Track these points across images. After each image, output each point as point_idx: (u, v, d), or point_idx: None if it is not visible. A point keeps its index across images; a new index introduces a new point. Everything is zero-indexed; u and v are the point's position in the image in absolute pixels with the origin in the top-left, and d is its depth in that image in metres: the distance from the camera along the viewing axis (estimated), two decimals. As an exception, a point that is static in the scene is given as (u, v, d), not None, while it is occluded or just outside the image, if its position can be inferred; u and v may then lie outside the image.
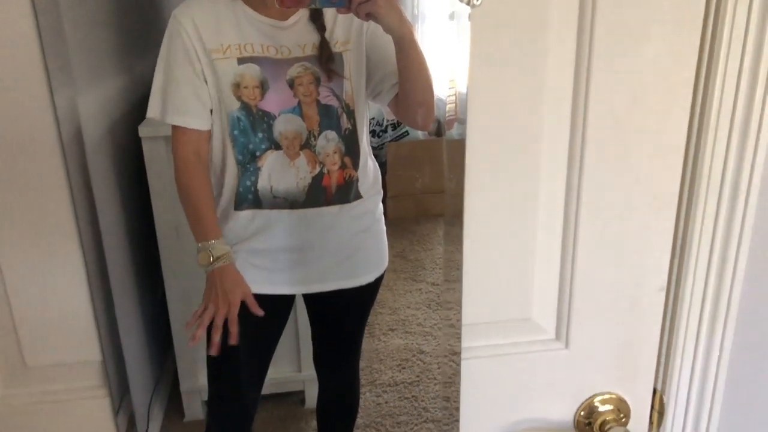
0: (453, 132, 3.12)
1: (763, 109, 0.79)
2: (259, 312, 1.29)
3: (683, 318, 0.86)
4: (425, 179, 3.29)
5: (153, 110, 1.26)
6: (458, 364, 0.84)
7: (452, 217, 0.85)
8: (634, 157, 0.78)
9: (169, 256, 1.87)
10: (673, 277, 0.86)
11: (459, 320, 0.82)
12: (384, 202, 1.51)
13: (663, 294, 0.86)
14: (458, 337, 0.82)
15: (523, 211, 0.78)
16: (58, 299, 0.79)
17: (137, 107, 1.98)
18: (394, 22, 1.11)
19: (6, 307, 0.77)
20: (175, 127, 1.30)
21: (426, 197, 3.25)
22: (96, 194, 1.44)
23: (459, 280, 0.80)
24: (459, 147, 0.80)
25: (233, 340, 1.28)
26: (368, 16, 1.06)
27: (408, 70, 1.21)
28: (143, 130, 1.76)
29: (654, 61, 0.76)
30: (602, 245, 0.81)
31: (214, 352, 1.27)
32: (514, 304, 0.80)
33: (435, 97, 1.27)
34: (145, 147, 1.81)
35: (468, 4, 0.69)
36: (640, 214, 0.80)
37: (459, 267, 0.79)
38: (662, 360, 0.88)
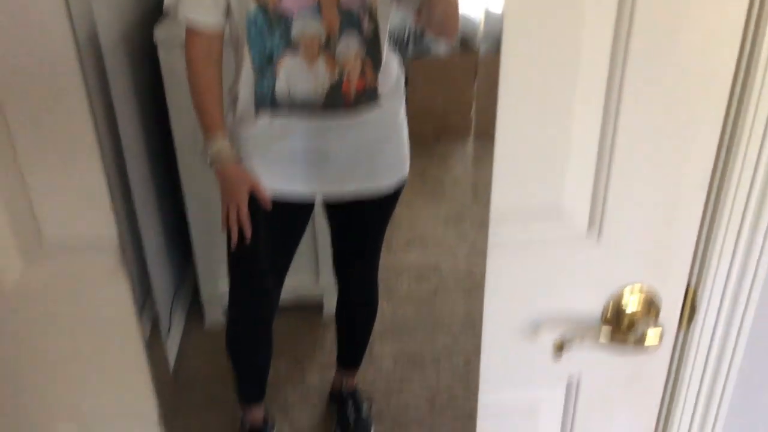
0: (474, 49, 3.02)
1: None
2: (267, 204, 1.30)
3: (725, 215, 0.82)
4: (447, 97, 3.21)
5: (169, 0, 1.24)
6: (475, 280, 0.82)
7: (478, 134, 0.80)
8: (683, 45, 0.72)
9: (187, 161, 1.85)
10: (718, 173, 0.81)
11: (478, 240, 0.79)
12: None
13: (705, 192, 0.82)
14: (477, 255, 0.80)
15: (561, 92, 0.73)
16: (77, 191, 0.76)
17: (153, 9, 1.92)
18: None
19: (21, 188, 0.75)
20: (187, 27, 1.27)
21: (447, 116, 3.18)
22: (113, 91, 1.41)
23: (481, 201, 0.77)
24: (485, 62, 0.75)
25: (246, 234, 1.29)
26: None
27: None
28: (159, 34, 1.70)
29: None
30: (644, 136, 0.76)
31: (233, 246, 1.29)
32: (546, 190, 0.77)
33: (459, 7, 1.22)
34: (161, 51, 1.76)
35: None
36: (688, 107, 0.75)
37: (478, 187, 0.76)
38: (699, 256, 0.85)
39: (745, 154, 0.79)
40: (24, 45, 0.69)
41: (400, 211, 1.61)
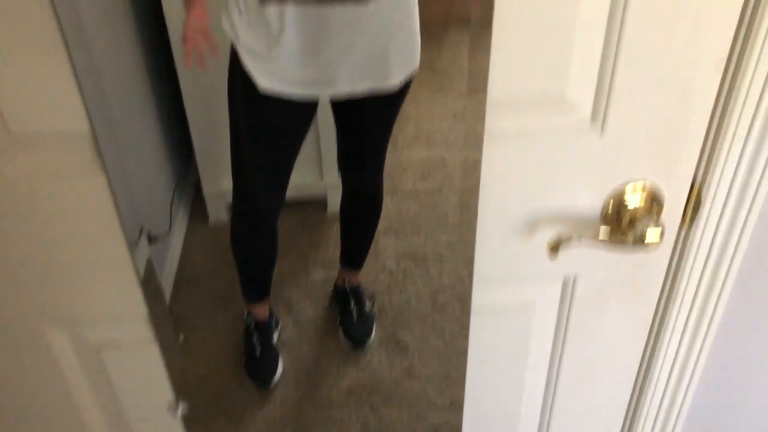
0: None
1: None
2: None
3: (738, 104, 0.76)
4: (456, -18, 3.03)
5: None
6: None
7: (481, 22, 0.73)
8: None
9: (181, 52, 1.77)
10: (734, 57, 0.74)
11: (483, 133, 0.74)
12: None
13: (719, 76, 0.75)
14: (482, 149, 0.75)
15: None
16: (42, 81, 0.71)
17: None
18: None
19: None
20: None
21: (454, 2, 3.01)
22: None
23: (484, 90, 0.70)
24: None
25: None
26: None
27: None
28: None
29: None
30: (656, 11, 0.69)
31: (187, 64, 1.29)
32: (548, 77, 0.71)
33: None
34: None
35: None
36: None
37: (485, 77, 0.69)
38: (706, 151, 0.80)
39: (764, 42, 0.72)
40: None
41: (406, 106, 1.55)
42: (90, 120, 0.70)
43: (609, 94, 0.73)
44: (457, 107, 2.47)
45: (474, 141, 0.80)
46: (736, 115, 0.77)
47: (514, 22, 0.66)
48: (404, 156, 2.26)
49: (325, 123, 1.77)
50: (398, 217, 2.05)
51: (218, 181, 1.97)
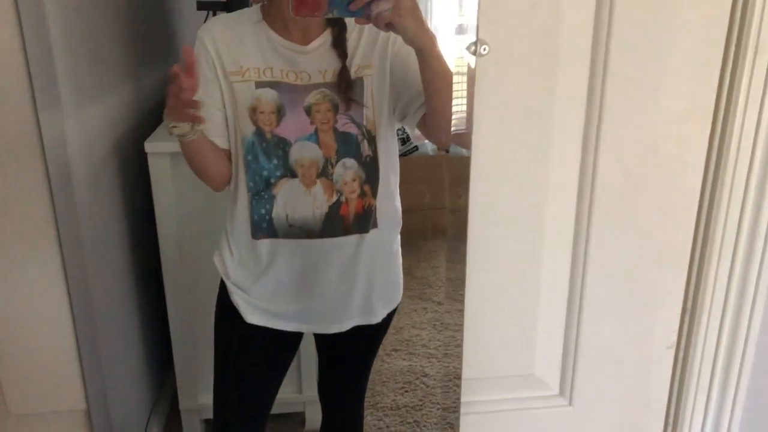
0: (462, 149, 3.09)
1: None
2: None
3: (694, 375, 0.83)
4: (433, 195, 3.26)
5: None
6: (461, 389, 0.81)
7: (456, 232, 0.81)
8: (644, 212, 0.75)
9: (171, 272, 1.85)
10: (684, 335, 0.82)
11: (464, 343, 0.79)
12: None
13: (672, 351, 0.82)
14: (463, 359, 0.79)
15: (527, 264, 0.75)
16: (39, 320, 0.76)
17: (144, 121, 1.97)
18: (415, 31, 1.03)
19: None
20: None
21: (434, 212, 3.21)
22: (96, 212, 1.42)
23: (463, 299, 0.77)
24: (466, 163, 0.77)
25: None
26: (388, 26, 1.01)
27: (433, 83, 1.12)
28: (149, 146, 1.74)
29: (668, 112, 0.73)
30: (610, 301, 0.78)
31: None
32: (516, 359, 0.77)
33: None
34: (151, 162, 1.80)
35: (474, 53, 0.66)
36: (650, 271, 0.77)
37: (463, 285, 0.76)
38: (671, 419, 0.85)
39: (709, 318, 0.81)
40: None
41: None
42: (89, 414, 0.74)
43: (574, 372, 0.79)
44: (437, 315, 2.54)
45: (455, 350, 0.83)
46: (693, 384, 0.83)
47: (483, 314, 0.74)
48: (384, 367, 2.27)
49: (306, 340, 1.81)
50: (378, 435, 2.01)
51: (195, 397, 1.95)
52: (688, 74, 0.72)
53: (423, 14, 1.12)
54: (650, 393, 0.82)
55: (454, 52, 0.95)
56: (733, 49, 0.70)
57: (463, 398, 0.79)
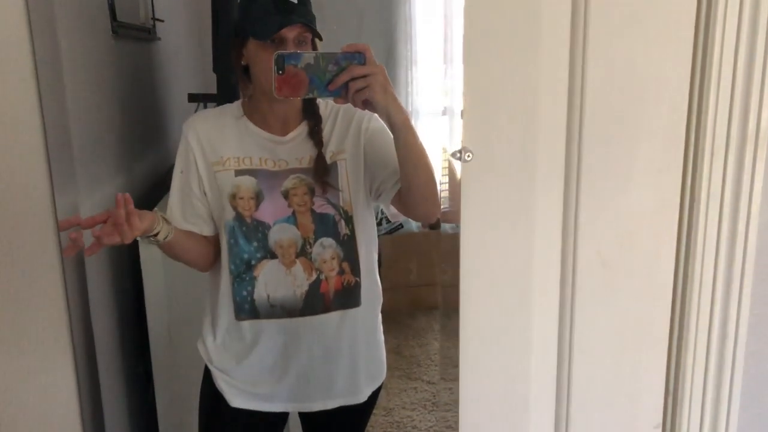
0: (446, 225, 3.16)
1: (746, 247, 0.82)
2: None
3: (680, 455, 0.86)
4: (420, 272, 3.31)
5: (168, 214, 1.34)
6: None
7: (447, 309, 0.86)
8: (622, 299, 0.80)
9: (160, 361, 1.86)
10: (668, 415, 0.86)
11: (457, 421, 0.81)
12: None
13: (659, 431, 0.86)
14: None
15: (515, 353, 0.79)
16: (46, 408, 0.78)
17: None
18: (390, 108, 1.10)
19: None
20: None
21: (420, 290, 3.25)
22: (90, 298, 1.45)
23: (456, 378, 0.80)
24: (453, 240, 0.81)
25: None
26: (365, 104, 1.08)
27: (408, 160, 1.19)
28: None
29: (639, 204, 0.80)
30: (596, 386, 0.82)
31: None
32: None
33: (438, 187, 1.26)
34: (142, 249, 1.84)
35: (460, 159, 0.72)
36: (632, 355, 0.81)
37: (456, 364, 0.79)
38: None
39: (691, 398, 0.85)
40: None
41: None
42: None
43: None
44: (427, 395, 2.53)
45: (447, 431, 0.85)
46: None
47: (477, 406, 0.77)
48: (376, 451, 2.25)
49: (295, 418, 1.80)
50: None
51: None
52: (654, 172, 0.79)
53: (406, 98, 1.21)
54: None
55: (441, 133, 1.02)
56: (692, 151, 0.78)
57: (460, 485, 0.81)
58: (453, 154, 0.73)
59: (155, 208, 1.42)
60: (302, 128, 1.35)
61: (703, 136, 0.77)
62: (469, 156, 0.72)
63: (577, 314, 0.79)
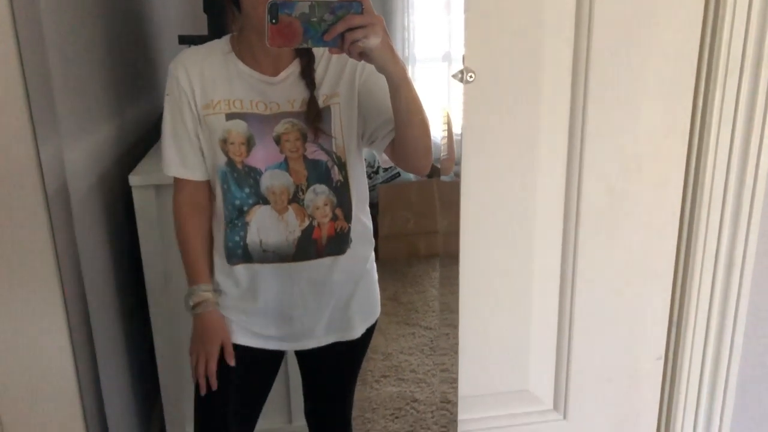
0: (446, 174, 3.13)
1: (757, 172, 0.79)
2: (232, 362, 1.27)
3: (683, 385, 0.85)
4: (417, 220, 3.28)
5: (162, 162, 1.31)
6: (453, 413, 0.82)
7: (446, 257, 0.84)
8: (628, 228, 0.78)
9: (157, 304, 1.84)
10: (671, 346, 0.84)
11: (453, 365, 0.80)
12: (376, 243, 1.48)
13: (661, 363, 0.84)
14: (453, 383, 0.80)
15: (518, 282, 0.77)
16: (40, 356, 0.76)
17: (128, 154, 1.98)
18: (387, 61, 1.07)
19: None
20: (175, 177, 1.31)
21: (418, 238, 3.23)
22: (82, 245, 1.42)
23: (454, 324, 0.78)
24: (452, 188, 0.79)
25: (213, 386, 1.27)
26: (361, 56, 1.04)
27: (403, 112, 1.16)
28: (133, 179, 1.75)
29: (647, 130, 0.76)
30: (599, 316, 0.80)
31: (201, 391, 1.26)
32: (511, 376, 0.79)
33: (432, 140, 1.25)
34: (136, 195, 1.80)
35: (461, 80, 0.68)
36: (637, 284, 0.79)
37: (453, 310, 0.78)
38: (662, 428, 0.86)
39: (695, 329, 0.83)
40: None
41: (374, 339, 1.60)
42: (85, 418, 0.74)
43: (567, 386, 0.81)
44: (425, 340, 2.54)
45: (443, 375, 0.84)
46: (682, 393, 0.85)
47: (477, 335, 0.76)
48: (374, 393, 2.26)
49: (294, 368, 1.80)
50: (370, 462, 2.00)
51: (183, 426, 1.93)
52: (665, 95, 0.75)
53: (403, 44, 1.16)
54: (641, 403, 0.84)
55: (439, 80, 0.99)
56: (705, 70, 0.74)
57: (460, 416, 0.80)
58: (454, 75, 0.70)
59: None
60: (294, 67, 1.30)
61: (717, 52, 0.73)
62: (471, 76, 0.68)
63: (580, 243, 0.77)
